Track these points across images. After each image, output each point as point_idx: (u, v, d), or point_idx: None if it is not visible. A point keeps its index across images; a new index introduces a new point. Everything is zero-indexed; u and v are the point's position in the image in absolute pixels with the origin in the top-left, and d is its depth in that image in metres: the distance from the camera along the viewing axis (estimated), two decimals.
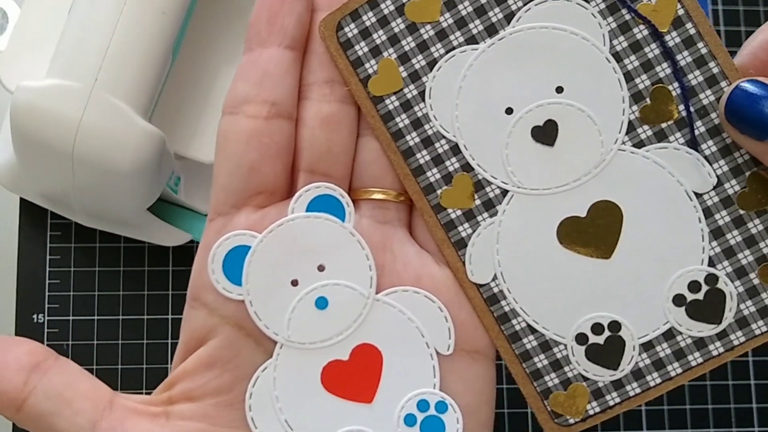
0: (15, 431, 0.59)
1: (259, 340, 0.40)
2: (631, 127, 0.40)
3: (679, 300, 0.40)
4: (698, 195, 0.40)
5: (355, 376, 0.40)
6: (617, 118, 0.40)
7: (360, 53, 0.41)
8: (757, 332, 0.40)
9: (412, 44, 0.41)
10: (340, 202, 0.40)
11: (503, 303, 0.41)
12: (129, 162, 0.49)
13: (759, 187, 0.39)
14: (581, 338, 0.41)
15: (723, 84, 0.39)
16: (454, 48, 0.41)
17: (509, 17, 0.40)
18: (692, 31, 0.39)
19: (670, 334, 0.40)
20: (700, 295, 0.40)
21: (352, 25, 0.41)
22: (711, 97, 0.39)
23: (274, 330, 0.40)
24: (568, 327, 0.41)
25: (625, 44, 0.40)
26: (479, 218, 0.41)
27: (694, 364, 0.40)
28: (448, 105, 0.41)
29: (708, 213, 0.40)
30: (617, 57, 0.40)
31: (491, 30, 0.40)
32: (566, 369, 0.41)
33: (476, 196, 0.41)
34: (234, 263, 0.40)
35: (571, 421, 0.41)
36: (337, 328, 0.40)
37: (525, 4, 0.40)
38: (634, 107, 0.40)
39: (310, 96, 0.41)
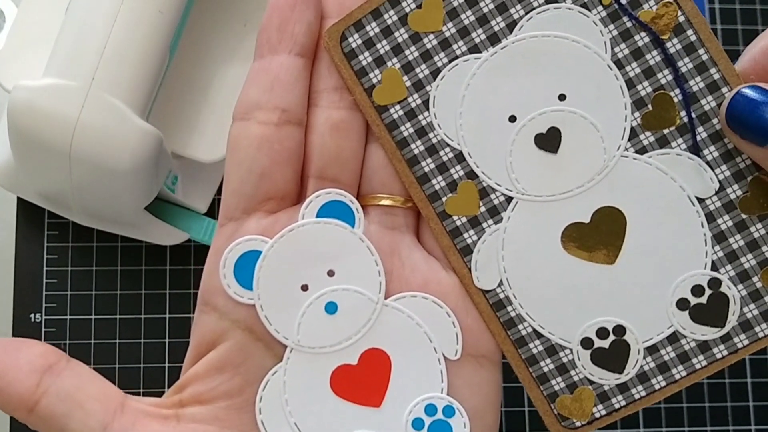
0: (12, 428, 0.60)
1: (269, 345, 0.40)
2: (633, 134, 0.40)
3: (682, 304, 0.40)
4: (701, 200, 0.40)
5: (363, 380, 0.40)
6: (619, 125, 0.40)
7: (364, 63, 0.41)
8: (761, 335, 0.40)
9: (416, 54, 0.41)
10: (349, 208, 0.41)
11: (509, 308, 0.41)
12: (126, 161, 0.49)
13: (760, 191, 0.40)
14: (587, 342, 0.41)
15: (724, 90, 0.40)
16: (457, 57, 0.41)
17: (511, 26, 0.40)
18: (693, 38, 0.40)
19: (674, 338, 0.41)
20: (703, 299, 0.40)
21: (356, 36, 0.41)
22: (712, 103, 0.40)
23: (284, 334, 0.40)
24: (573, 332, 0.41)
25: (626, 51, 0.40)
26: (484, 225, 0.41)
27: (698, 367, 0.41)
28: (452, 113, 0.41)
29: (710, 218, 0.40)
30: (619, 64, 0.40)
31: (494, 39, 0.41)
32: (572, 373, 0.41)
33: (481, 203, 0.41)
34: (245, 268, 0.40)
35: (578, 423, 0.42)
36: (346, 332, 0.40)
37: (527, 13, 0.40)
38: (636, 114, 0.40)
39: (320, 103, 0.41)
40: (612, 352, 0.41)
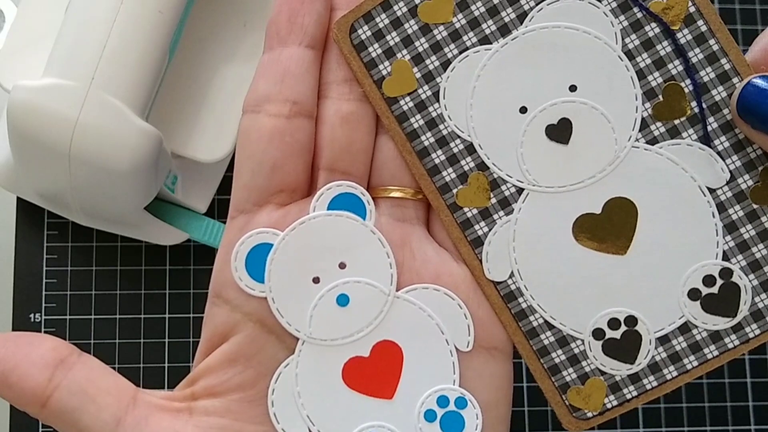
0: (12, 428, 0.59)
1: (281, 337, 0.40)
2: (644, 124, 0.40)
3: (694, 294, 0.40)
4: (711, 190, 0.40)
5: (375, 372, 0.40)
6: (630, 116, 0.40)
7: (374, 55, 0.41)
8: None
9: (426, 45, 0.41)
10: (360, 200, 0.40)
11: (520, 300, 0.41)
12: (126, 161, 0.49)
13: None
14: (598, 333, 0.41)
15: (735, 80, 0.40)
16: (467, 48, 0.41)
17: (522, 17, 0.41)
18: (704, 28, 0.40)
19: (685, 328, 0.41)
20: (714, 289, 0.40)
21: (366, 27, 0.41)
22: (723, 93, 0.40)
23: (296, 327, 0.40)
24: (585, 322, 0.41)
25: (637, 42, 0.40)
26: (495, 216, 0.41)
27: (710, 356, 0.41)
28: (463, 105, 0.41)
29: (721, 208, 0.40)
30: (629, 55, 0.40)
31: (504, 30, 0.41)
32: (584, 364, 0.41)
33: (492, 195, 0.41)
34: (256, 260, 0.40)
35: (589, 414, 0.42)
36: (358, 325, 0.40)
37: (537, 4, 0.40)
38: (647, 104, 0.40)
39: (330, 95, 0.41)
40: (624, 342, 0.41)
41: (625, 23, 0.40)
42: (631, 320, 0.41)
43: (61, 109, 0.48)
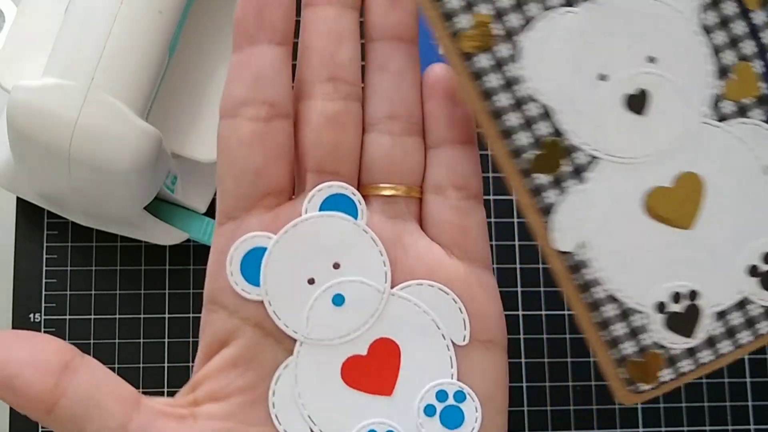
0: (12, 428, 0.59)
1: (279, 339, 0.40)
2: (715, 101, 0.40)
3: (753, 271, 0.40)
4: None
5: (374, 370, 0.40)
6: (704, 91, 0.40)
7: (455, 5, 0.39)
8: None
9: (509, 1, 0.39)
10: (352, 200, 0.40)
11: (585, 272, 0.40)
12: (126, 161, 0.49)
13: None
14: (660, 306, 0.40)
15: None
16: (550, 8, 0.39)
17: None
18: None
19: (742, 304, 0.41)
20: None
21: None
22: None
23: (293, 328, 0.40)
24: (647, 295, 0.40)
25: (715, 19, 0.40)
26: (566, 185, 0.40)
27: (763, 332, 0.41)
28: (542, 67, 0.39)
29: None
30: (706, 31, 0.40)
31: None
32: (642, 337, 0.40)
33: (564, 162, 0.40)
34: (251, 264, 0.40)
35: (643, 387, 0.41)
36: (354, 323, 0.40)
37: None
38: (720, 82, 0.40)
39: (313, 95, 0.41)
40: (684, 316, 0.40)
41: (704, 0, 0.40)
42: (693, 294, 0.40)
43: (60, 109, 0.49)
